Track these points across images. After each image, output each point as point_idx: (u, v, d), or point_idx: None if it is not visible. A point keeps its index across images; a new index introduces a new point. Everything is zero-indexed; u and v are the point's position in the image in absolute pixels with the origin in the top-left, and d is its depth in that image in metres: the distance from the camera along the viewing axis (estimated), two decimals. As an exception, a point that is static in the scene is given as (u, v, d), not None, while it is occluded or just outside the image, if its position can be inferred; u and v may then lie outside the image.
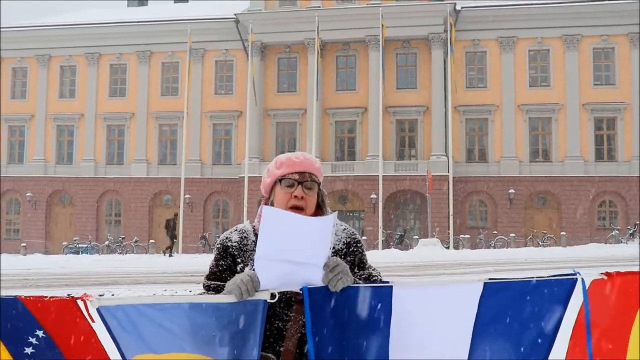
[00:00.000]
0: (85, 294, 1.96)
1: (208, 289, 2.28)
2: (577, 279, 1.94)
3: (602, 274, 1.95)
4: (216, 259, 2.32)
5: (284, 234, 2.01)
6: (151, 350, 1.96)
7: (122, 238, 35.04)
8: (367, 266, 2.39)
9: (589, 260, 19.93)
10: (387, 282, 2.04)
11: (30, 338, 1.97)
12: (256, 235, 2.28)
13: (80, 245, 34.23)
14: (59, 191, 39.44)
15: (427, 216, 32.82)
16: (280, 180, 2.30)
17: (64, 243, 35.07)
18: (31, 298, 1.99)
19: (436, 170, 33.52)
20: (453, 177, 33.53)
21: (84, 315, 1.98)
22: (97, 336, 2.01)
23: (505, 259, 22.73)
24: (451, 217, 32.11)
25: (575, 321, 1.98)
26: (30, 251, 33.20)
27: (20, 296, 1.99)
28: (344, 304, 2.03)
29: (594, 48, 35.32)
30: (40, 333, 1.97)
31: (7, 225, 39.62)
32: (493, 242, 31.77)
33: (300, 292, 2.03)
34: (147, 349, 1.96)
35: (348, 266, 2.10)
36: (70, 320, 1.98)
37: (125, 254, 32.26)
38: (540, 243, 31.13)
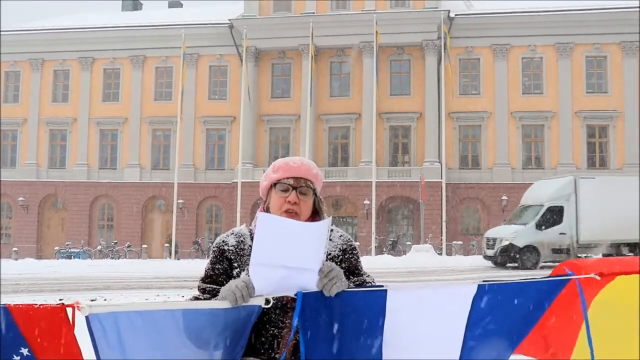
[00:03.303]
0: (77, 302, 1.92)
1: (203, 291, 2.26)
2: (569, 279, 1.96)
3: (596, 273, 1.97)
4: (212, 262, 2.31)
5: (278, 239, 2.01)
6: None
7: (115, 243, 34.91)
8: (361, 272, 2.39)
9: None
10: (381, 286, 2.05)
11: (15, 357, 1.91)
12: (252, 239, 2.28)
13: (72, 250, 34.08)
14: (52, 195, 39.27)
15: (420, 222, 32.85)
16: (275, 184, 2.31)
17: (56, 248, 34.93)
18: (20, 307, 1.93)
19: (429, 176, 33.57)
20: (446, 184, 33.57)
21: (71, 329, 1.94)
22: (80, 354, 1.98)
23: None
24: (444, 224, 32.15)
25: (544, 313, 1.99)
26: (22, 256, 33.02)
27: (9, 305, 1.93)
28: (338, 309, 2.04)
29: (587, 56, 35.53)
30: (25, 351, 1.91)
31: (-2, 230, 39.43)
32: (486, 248, 31.78)
33: (296, 297, 2.04)
34: None
35: (343, 271, 2.11)
36: (56, 335, 1.92)
37: (118, 258, 32.17)
38: (533, 250, 31.16)
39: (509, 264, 22.01)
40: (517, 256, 21.79)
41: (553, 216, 22.45)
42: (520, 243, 21.92)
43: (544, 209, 22.53)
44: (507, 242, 22.01)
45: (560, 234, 22.25)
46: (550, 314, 1.98)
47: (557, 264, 22.84)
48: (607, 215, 21.78)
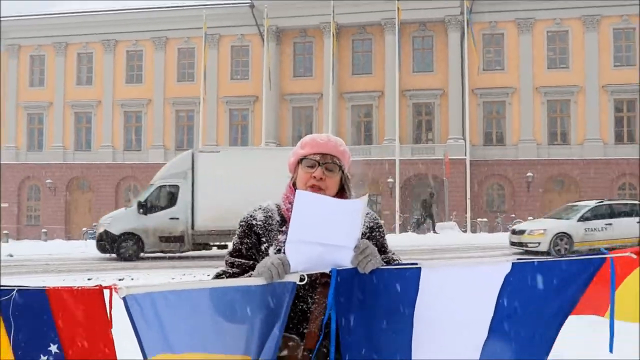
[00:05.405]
0: (115, 284, 1.94)
1: (232, 265, 2.28)
2: (605, 258, 1.91)
3: (631, 252, 1.91)
4: (240, 237, 2.32)
5: (316, 217, 2.03)
6: (171, 349, 1.93)
7: (141, 223, 35.24)
8: (387, 250, 2.40)
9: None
10: (416, 264, 2.05)
11: (42, 356, 1.93)
12: (280, 214, 2.30)
13: (99, 231, 34.52)
14: (78, 177, 39.78)
15: (444, 200, 32.71)
16: (302, 159, 2.32)
17: (84, 229, 35.41)
18: (59, 289, 1.93)
19: (453, 153, 33.34)
20: (470, 161, 33.35)
21: (107, 318, 1.94)
22: (113, 345, 1.99)
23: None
24: (468, 201, 31.99)
25: (581, 297, 1.95)
26: (51, 237, 33.59)
27: (49, 288, 1.93)
28: (372, 285, 2.05)
29: (614, 28, 34.78)
30: (54, 348, 1.94)
31: (27, 212, 40.11)
32: (510, 225, 31.58)
33: (329, 273, 2.05)
34: (167, 348, 1.93)
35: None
36: (91, 320, 1.94)
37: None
38: (559, 226, 30.89)
39: (108, 254, 19.36)
40: (115, 245, 18.95)
41: (164, 197, 19.37)
42: (116, 230, 19.00)
43: (152, 189, 19.57)
44: (102, 229, 19.22)
45: (172, 218, 19.02)
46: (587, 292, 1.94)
47: (168, 254, 18.82)
48: (230, 198, 17.19)
